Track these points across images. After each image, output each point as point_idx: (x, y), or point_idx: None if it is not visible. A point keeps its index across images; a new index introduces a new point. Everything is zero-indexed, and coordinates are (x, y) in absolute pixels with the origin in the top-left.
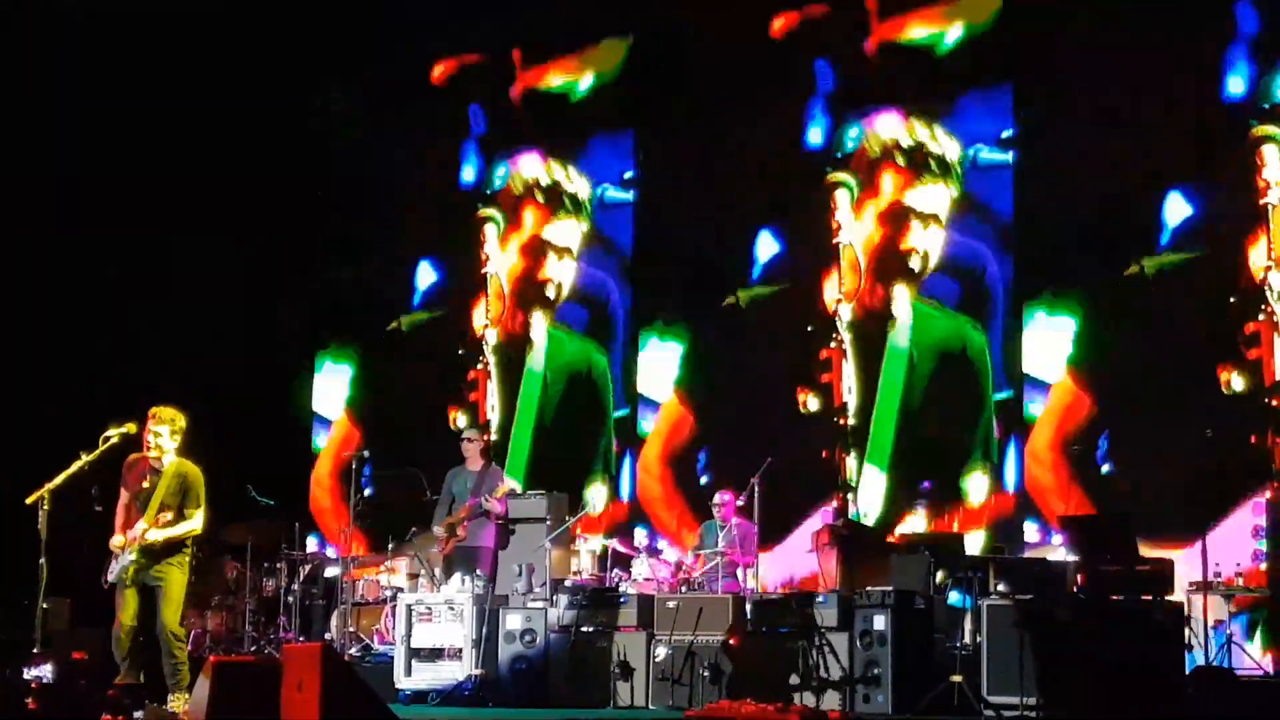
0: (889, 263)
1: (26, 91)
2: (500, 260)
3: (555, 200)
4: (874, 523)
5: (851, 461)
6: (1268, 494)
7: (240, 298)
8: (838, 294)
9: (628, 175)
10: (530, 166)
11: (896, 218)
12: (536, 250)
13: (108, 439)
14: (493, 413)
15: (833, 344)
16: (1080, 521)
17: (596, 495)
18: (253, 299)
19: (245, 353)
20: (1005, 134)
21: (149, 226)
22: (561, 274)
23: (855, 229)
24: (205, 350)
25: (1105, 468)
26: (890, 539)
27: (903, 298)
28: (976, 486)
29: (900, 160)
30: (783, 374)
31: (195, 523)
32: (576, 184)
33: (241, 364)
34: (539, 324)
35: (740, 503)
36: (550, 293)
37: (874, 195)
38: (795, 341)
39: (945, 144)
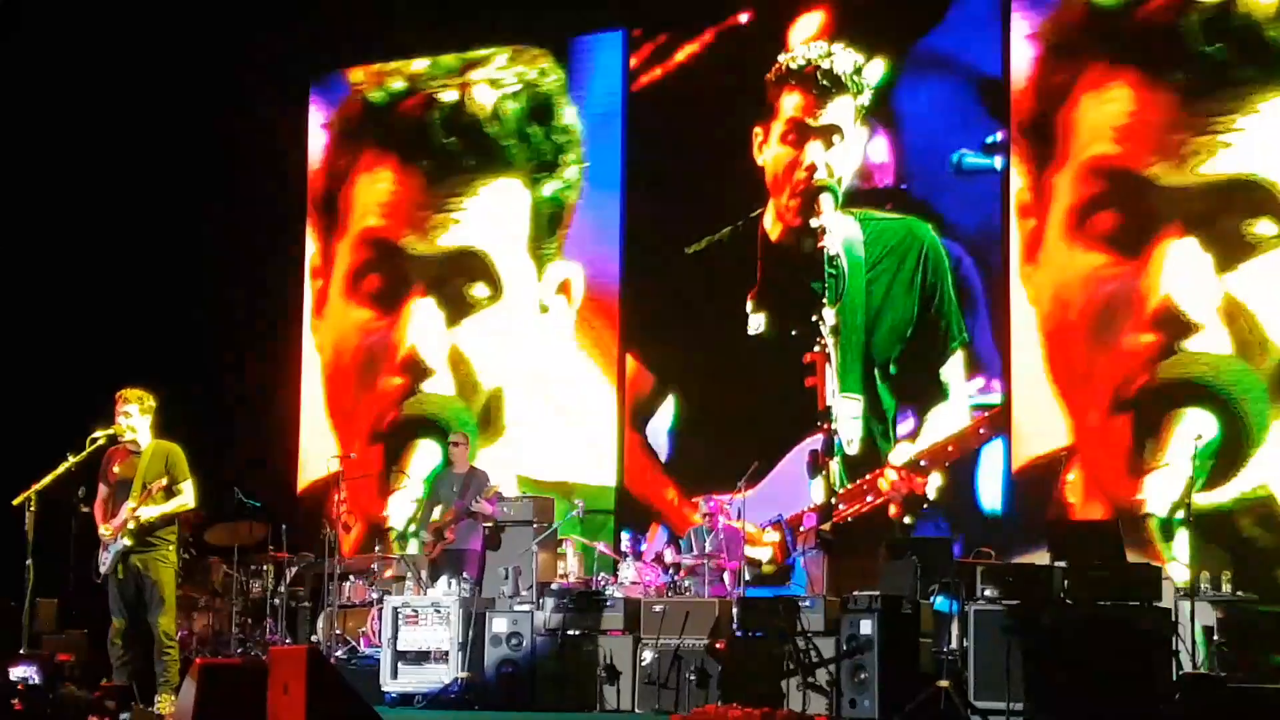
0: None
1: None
2: None
3: None
4: (858, 451)
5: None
6: None
7: (225, 293)
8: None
9: None
10: None
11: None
12: None
13: (94, 440)
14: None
15: (816, 348)
16: (1067, 527)
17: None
18: (236, 291)
19: (232, 354)
20: None
21: (130, 223)
22: None
23: (835, 227)
24: (190, 353)
25: None
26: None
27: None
28: (955, 372)
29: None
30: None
31: (186, 497)
32: None
33: (228, 366)
34: None
35: (727, 503)
36: None
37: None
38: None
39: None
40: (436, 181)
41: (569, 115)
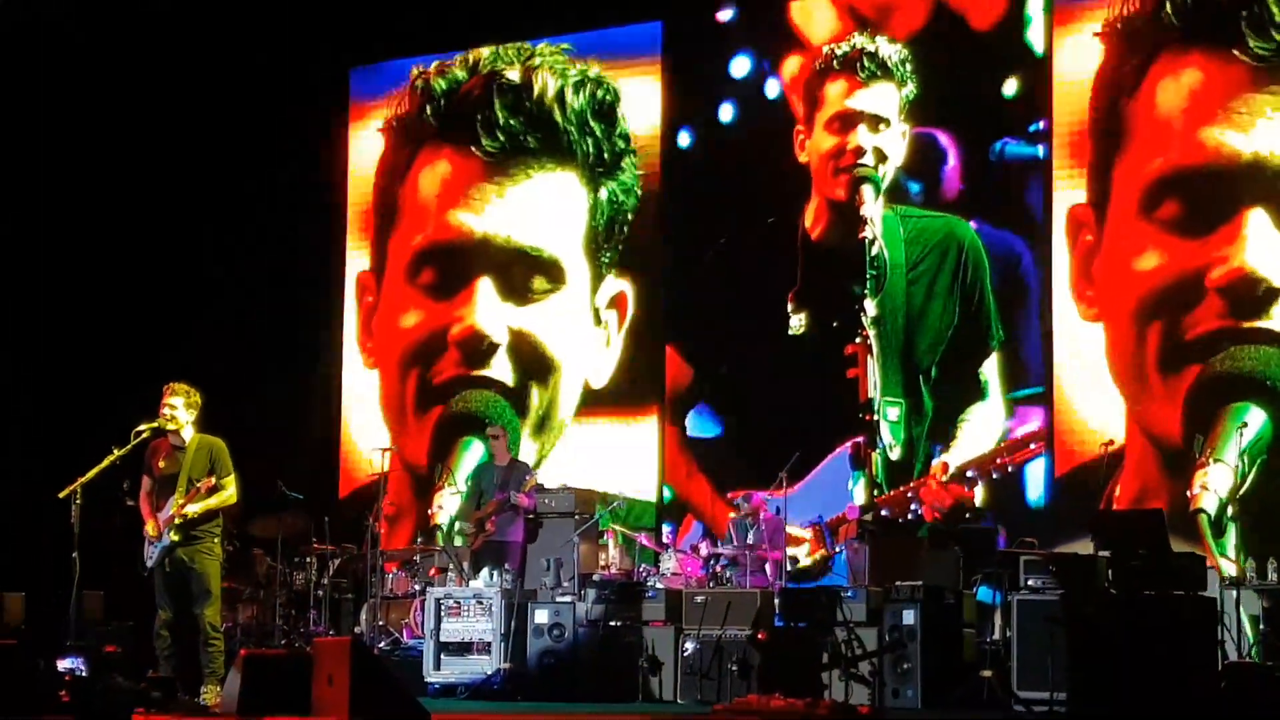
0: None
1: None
2: None
3: None
4: (899, 457)
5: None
6: None
7: (267, 289)
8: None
9: None
10: None
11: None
12: None
13: (139, 434)
14: None
15: (857, 339)
16: (1111, 516)
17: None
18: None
19: (275, 347)
20: None
21: (178, 218)
22: None
23: (877, 219)
24: (234, 345)
25: None
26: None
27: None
28: (992, 371)
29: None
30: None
31: (229, 492)
32: None
33: (271, 357)
34: None
35: (767, 497)
36: None
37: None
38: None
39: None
40: (497, 167)
41: (629, 122)
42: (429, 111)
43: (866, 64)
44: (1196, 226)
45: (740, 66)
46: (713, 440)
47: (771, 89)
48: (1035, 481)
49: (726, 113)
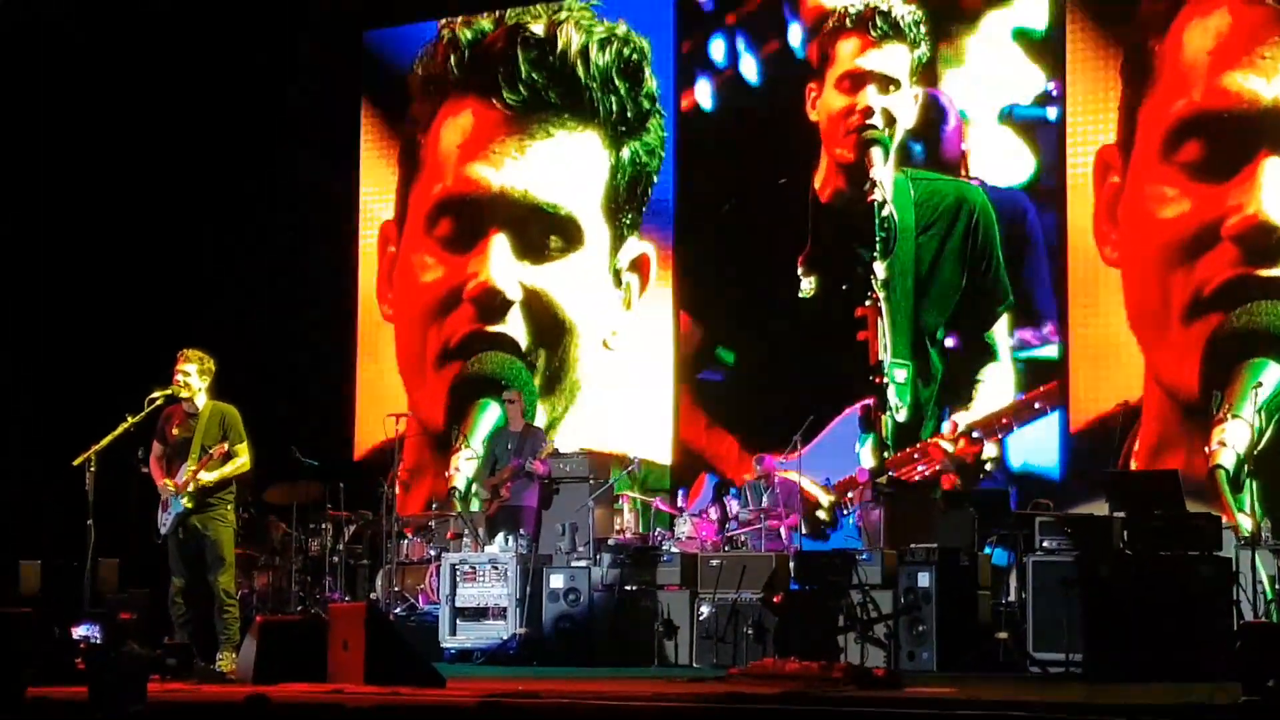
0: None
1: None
2: None
3: None
4: (906, 419)
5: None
6: None
7: (279, 254)
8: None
9: None
10: None
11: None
12: None
13: (153, 401)
14: None
15: (867, 302)
16: (1126, 477)
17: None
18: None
19: (288, 316)
20: None
21: (188, 185)
22: None
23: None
24: (247, 312)
25: None
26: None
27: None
28: (1002, 333)
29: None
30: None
31: (242, 460)
32: None
33: (286, 327)
34: None
35: (783, 460)
36: None
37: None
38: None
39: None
40: (519, 122)
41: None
42: (453, 61)
43: (879, 23)
44: (1216, 171)
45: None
46: (725, 392)
47: (794, 36)
48: (1049, 442)
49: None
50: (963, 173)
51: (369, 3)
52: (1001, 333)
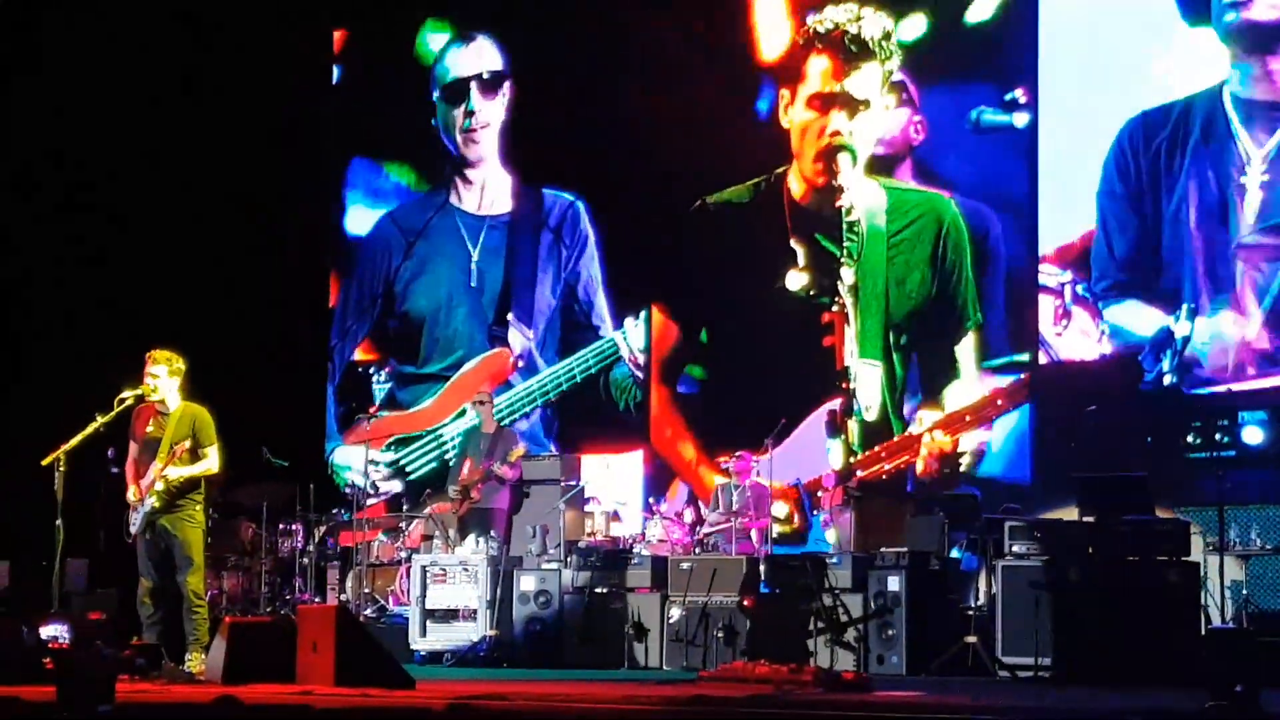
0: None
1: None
2: None
3: None
4: (876, 418)
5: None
6: None
7: (252, 251)
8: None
9: None
10: None
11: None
12: None
13: (122, 400)
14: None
15: (834, 307)
16: (1096, 481)
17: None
18: (264, 250)
19: (258, 309)
20: None
21: (157, 180)
22: None
23: (855, 187)
24: (219, 311)
25: None
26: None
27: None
28: (967, 352)
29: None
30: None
31: (211, 461)
32: None
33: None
34: None
35: (755, 460)
36: None
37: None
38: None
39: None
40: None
41: None
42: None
43: (848, 45)
44: None
45: None
46: (698, 400)
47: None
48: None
49: None
50: (933, 183)
51: None
52: (966, 352)
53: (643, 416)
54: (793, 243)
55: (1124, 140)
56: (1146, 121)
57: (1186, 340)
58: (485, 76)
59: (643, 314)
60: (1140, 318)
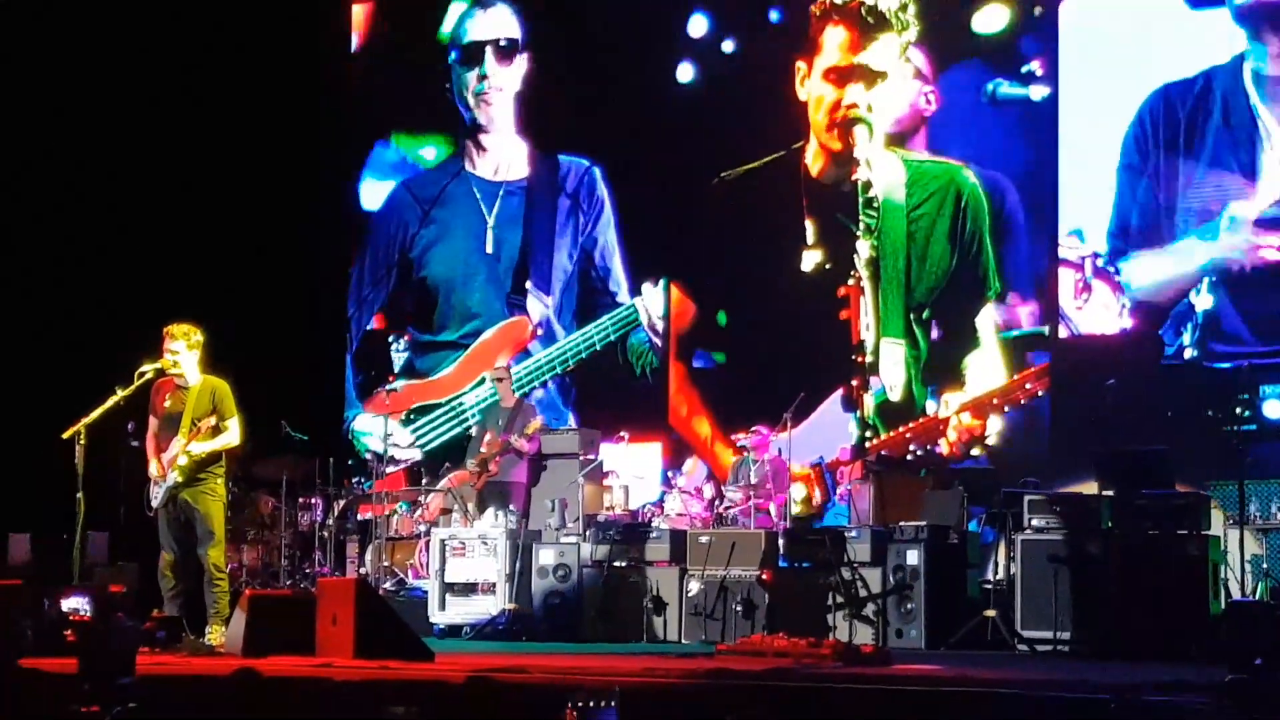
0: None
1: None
2: None
3: None
4: (900, 397)
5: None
6: None
7: (272, 225)
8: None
9: None
10: None
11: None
12: None
13: (142, 374)
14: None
15: (850, 280)
16: (1116, 454)
17: None
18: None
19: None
20: None
21: (178, 154)
22: None
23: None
24: (238, 286)
25: None
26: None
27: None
28: (988, 321)
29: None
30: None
31: (232, 434)
32: None
33: (276, 296)
34: None
35: (773, 435)
36: None
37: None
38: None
39: None
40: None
41: None
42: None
43: (865, 15)
44: None
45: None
46: (714, 377)
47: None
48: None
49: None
50: (950, 155)
51: None
52: (987, 321)
53: (660, 399)
54: (807, 221)
55: (1144, 114)
56: (1168, 95)
57: (1208, 314)
58: (502, 43)
59: (662, 281)
60: (1153, 271)
